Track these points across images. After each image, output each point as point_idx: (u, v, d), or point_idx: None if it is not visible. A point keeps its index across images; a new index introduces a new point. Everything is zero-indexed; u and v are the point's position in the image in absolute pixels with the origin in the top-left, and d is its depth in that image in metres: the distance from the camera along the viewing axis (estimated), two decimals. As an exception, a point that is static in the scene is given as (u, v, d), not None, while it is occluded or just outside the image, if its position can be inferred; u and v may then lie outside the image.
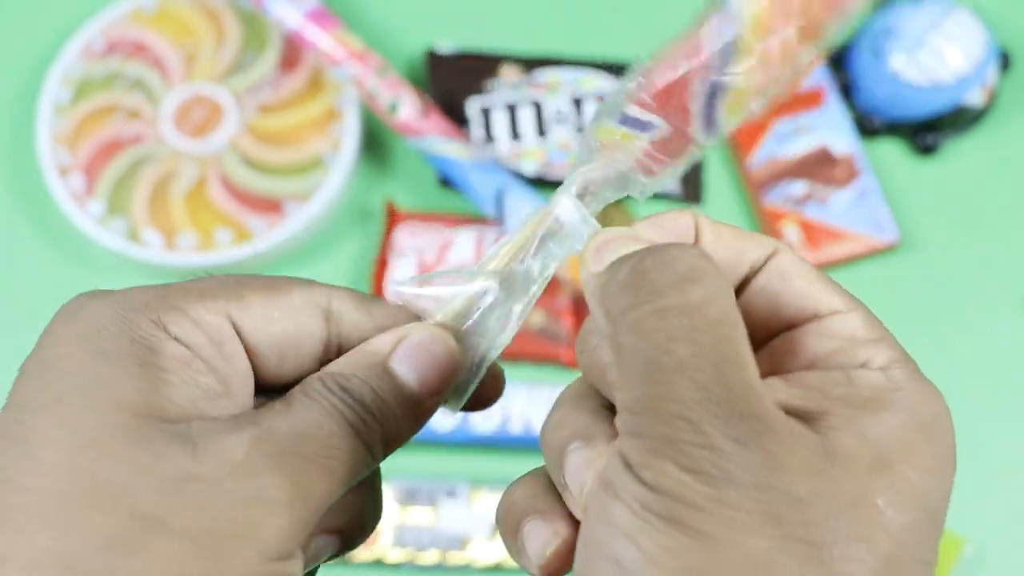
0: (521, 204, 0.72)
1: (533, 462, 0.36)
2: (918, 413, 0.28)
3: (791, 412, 0.27)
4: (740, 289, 0.31)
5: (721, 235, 0.30)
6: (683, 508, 0.25)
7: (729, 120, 0.30)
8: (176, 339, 0.28)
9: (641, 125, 0.31)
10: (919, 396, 0.28)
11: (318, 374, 0.30)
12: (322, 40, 0.75)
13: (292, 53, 0.78)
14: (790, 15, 0.29)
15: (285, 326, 0.30)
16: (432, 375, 0.30)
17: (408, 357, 0.30)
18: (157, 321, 0.28)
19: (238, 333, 0.29)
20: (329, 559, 0.31)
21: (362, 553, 0.66)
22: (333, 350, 0.31)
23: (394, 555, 0.66)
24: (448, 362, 0.31)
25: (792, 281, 0.30)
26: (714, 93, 0.30)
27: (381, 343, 0.30)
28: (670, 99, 0.30)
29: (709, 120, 0.30)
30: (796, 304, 0.30)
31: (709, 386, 0.26)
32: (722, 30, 0.29)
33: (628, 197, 0.33)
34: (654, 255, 0.27)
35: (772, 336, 0.30)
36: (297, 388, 0.29)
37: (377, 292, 0.72)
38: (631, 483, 0.26)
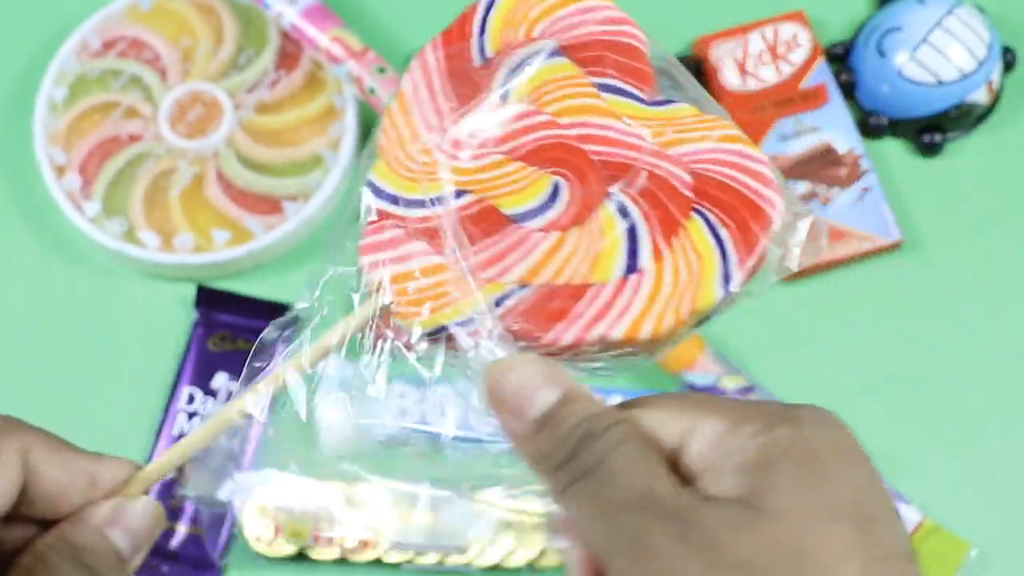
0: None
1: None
2: (802, 451, 0.30)
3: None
4: None
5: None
6: None
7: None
8: None
9: None
10: (793, 432, 0.30)
11: (49, 543, 0.33)
12: (320, 38, 0.75)
13: (290, 51, 0.77)
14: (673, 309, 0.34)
15: None
16: (142, 540, 0.34)
17: (123, 528, 0.34)
18: None
19: None
20: None
21: (362, 555, 0.66)
22: (28, 499, 0.33)
23: (393, 557, 0.66)
24: (155, 526, 0.35)
25: (657, 438, 0.31)
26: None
27: (99, 514, 0.34)
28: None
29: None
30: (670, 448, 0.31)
31: (644, 504, 0.29)
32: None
33: None
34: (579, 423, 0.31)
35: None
36: (32, 558, 0.33)
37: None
38: None
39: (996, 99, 0.76)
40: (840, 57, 0.78)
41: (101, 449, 0.70)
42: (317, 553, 0.66)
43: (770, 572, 0.27)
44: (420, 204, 0.37)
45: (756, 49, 0.78)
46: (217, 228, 0.73)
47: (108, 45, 0.78)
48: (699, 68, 0.79)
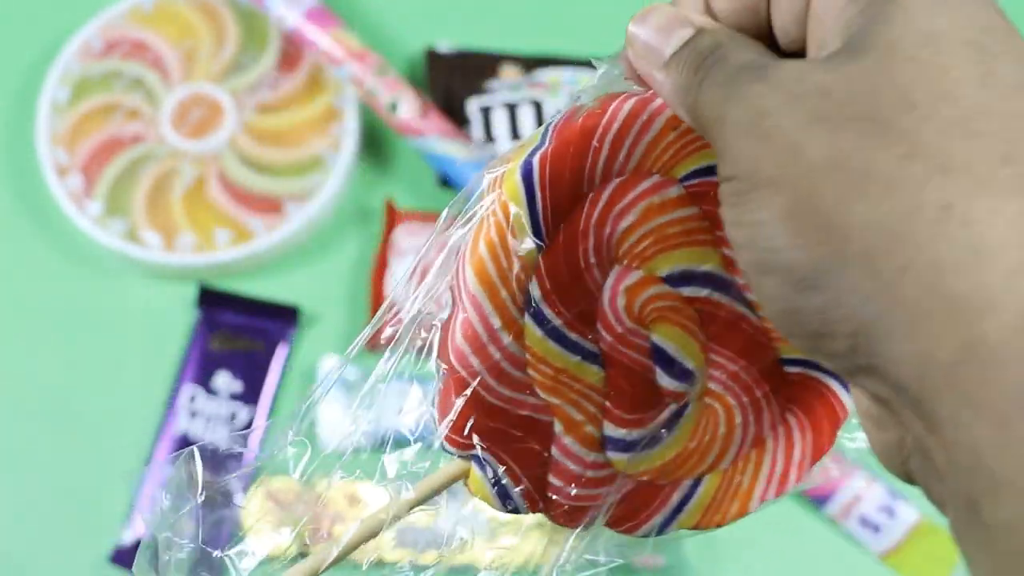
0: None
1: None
2: None
3: None
4: None
5: None
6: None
7: None
8: None
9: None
10: None
11: None
12: (321, 39, 0.75)
13: (291, 52, 0.78)
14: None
15: None
16: None
17: None
18: None
19: None
20: None
21: (362, 553, 0.66)
22: None
23: (394, 555, 0.66)
24: None
25: None
26: None
27: None
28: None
29: None
30: None
31: None
32: None
33: None
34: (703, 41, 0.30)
35: None
36: None
37: (377, 292, 0.72)
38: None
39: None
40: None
41: (102, 447, 0.70)
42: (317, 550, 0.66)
43: (852, 98, 0.26)
44: None
45: (754, 51, 0.79)
46: (219, 228, 0.74)
47: (111, 47, 0.78)
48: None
